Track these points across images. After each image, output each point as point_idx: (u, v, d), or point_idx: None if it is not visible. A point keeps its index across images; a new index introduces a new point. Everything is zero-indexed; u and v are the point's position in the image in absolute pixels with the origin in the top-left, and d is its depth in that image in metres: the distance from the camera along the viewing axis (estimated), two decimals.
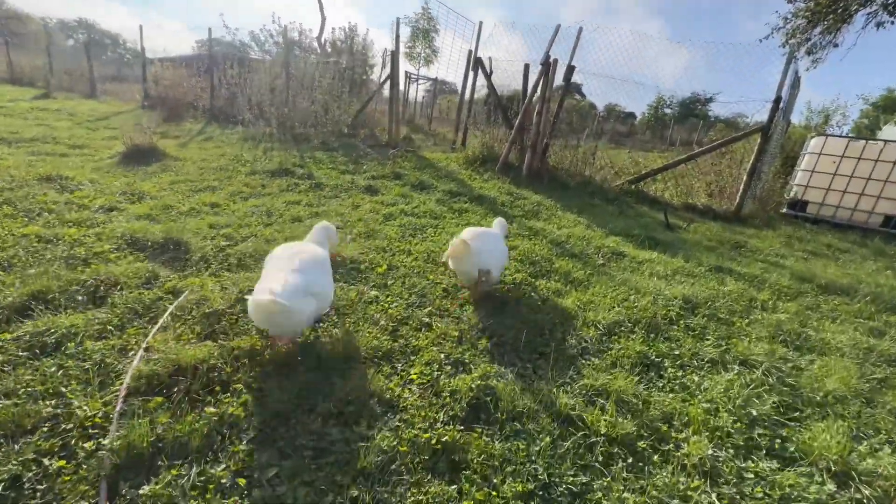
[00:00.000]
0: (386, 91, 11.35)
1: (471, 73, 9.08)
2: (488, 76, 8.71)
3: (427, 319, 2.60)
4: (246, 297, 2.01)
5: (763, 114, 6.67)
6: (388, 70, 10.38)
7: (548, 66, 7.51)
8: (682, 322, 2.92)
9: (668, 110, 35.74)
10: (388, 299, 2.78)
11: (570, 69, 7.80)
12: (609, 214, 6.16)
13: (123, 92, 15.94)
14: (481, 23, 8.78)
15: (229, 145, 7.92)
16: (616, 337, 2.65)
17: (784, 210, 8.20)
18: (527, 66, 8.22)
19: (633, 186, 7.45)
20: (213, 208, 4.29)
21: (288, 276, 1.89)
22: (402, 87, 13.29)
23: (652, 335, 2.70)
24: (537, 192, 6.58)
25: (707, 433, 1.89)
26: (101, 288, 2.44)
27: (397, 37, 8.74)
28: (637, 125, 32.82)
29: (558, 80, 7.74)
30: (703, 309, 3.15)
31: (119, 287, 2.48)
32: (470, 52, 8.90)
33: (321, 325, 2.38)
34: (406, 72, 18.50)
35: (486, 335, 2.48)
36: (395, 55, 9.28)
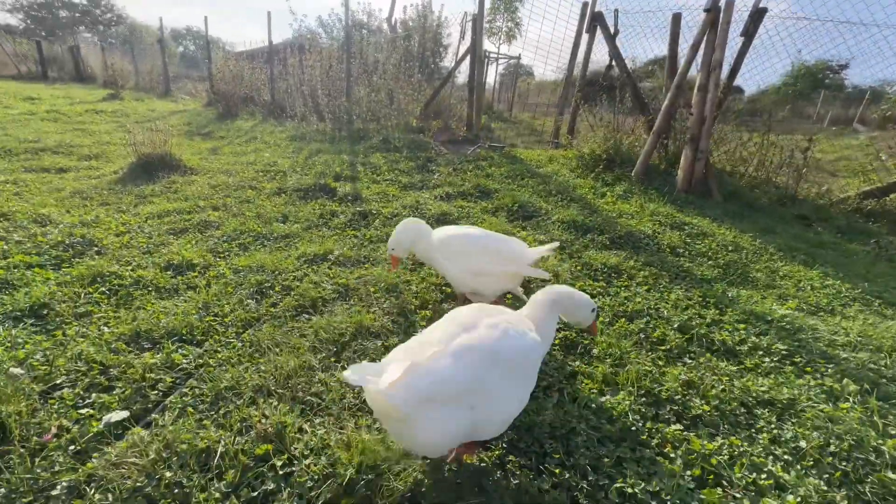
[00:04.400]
0: (463, 72, 9.19)
1: (585, 36, 6.49)
2: (612, 37, 6.09)
3: None
4: None
5: None
6: (466, 44, 8.18)
7: (717, 13, 4.75)
8: None
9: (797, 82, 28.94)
10: None
11: (759, 13, 4.94)
12: (872, 265, 3.39)
13: (201, 91, 15.66)
14: None
15: (272, 147, 6.32)
16: None
17: None
18: (677, 17, 5.48)
19: (877, 204, 4.47)
20: (177, 276, 2.46)
21: (436, 360, 1.11)
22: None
23: None
24: (715, 218, 3.98)
25: None
26: None
27: None
28: (764, 100, 26.67)
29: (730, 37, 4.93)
30: None
31: None
32: (585, 3, 6.31)
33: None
34: (485, 50, 16.13)
35: None
36: (477, 21, 7.01)
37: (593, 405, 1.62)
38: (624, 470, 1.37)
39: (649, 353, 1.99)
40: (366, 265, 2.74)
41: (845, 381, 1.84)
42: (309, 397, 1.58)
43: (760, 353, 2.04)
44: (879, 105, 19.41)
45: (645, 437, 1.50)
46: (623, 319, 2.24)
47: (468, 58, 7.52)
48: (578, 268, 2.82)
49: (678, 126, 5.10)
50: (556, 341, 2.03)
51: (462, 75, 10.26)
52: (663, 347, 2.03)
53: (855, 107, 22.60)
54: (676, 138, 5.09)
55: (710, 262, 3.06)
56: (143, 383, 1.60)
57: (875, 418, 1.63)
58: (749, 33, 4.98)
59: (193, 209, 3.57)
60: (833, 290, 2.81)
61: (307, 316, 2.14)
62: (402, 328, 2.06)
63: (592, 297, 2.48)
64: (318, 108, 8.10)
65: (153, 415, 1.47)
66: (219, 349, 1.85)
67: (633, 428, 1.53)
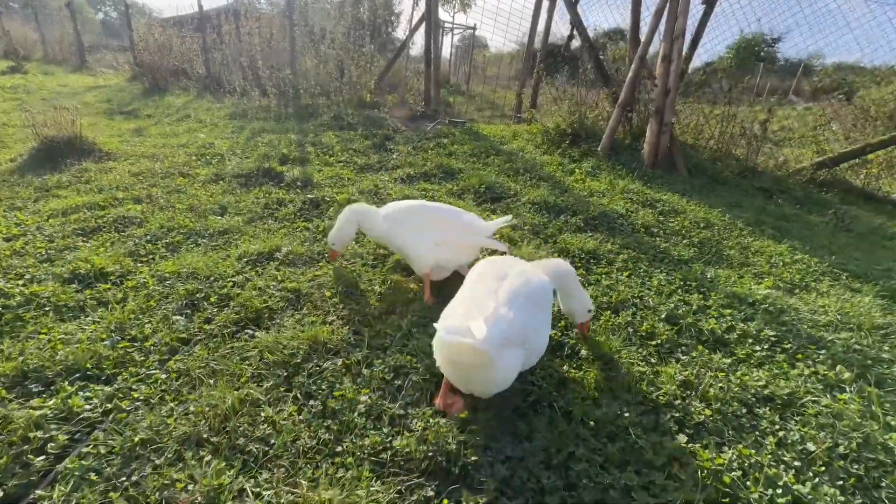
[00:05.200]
0: (417, 43, 8.63)
1: (545, 3, 6.18)
2: (573, 5, 5.81)
3: None
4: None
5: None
6: (420, 11, 7.61)
7: None
8: None
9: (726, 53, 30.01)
10: None
11: None
12: (832, 236, 3.45)
13: (124, 63, 13.91)
14: None
15: (209, 127, 5.63)
16: None
17: None
18: None
19: (828, 174, 4.59)
20: (83, 290, 2.01)
21: (499, 310, 1.31)
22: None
23: None
24: (684, 194, 3.92)
25: None
26: None
27: None
28: (706, 73, 27.46)
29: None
30: None
31: None
32: None
33: None
34: (440, 19, 15.39)
35: None
36: None
37: (591, 421, 1.43)
38: (633, 502, 1.18)
39: (640, 350, 1.83)
40: (320, 263, 2.39)
41: (838, 367, 1.76)
42: (252, 445, 1.28)
43: (750, 340, 1.94)
44: (811, 78, 20.63)
45: (650, 455, 1.33)
46: (608, 312, 2.06)
47: (422, 27, 7.01)
48: (556, 254, 2.62)
49: (642, 98, 4.98)
50: None
51: (416, 46, 9.68)
52: (654, 343, 1.88)
53: (789, 79, 23.89)
54: (641, 111, 4.98)
55: (685, 242, 2.97)
56: (26, 446, 1.23)
57: (875, 408, 1.55)
58: (710, 1, 4.87)
59: (109, 203, 3.03)
60: (803, 266, 2.79)
61: (250, 332, 1.80)
62: (365, 340, 1.76)
63: None
64: (260, 82, 7.34)
65: (37, 491, 1.12)
66: (135, 386, 1.48)
67: (636, 445, 1.35)
